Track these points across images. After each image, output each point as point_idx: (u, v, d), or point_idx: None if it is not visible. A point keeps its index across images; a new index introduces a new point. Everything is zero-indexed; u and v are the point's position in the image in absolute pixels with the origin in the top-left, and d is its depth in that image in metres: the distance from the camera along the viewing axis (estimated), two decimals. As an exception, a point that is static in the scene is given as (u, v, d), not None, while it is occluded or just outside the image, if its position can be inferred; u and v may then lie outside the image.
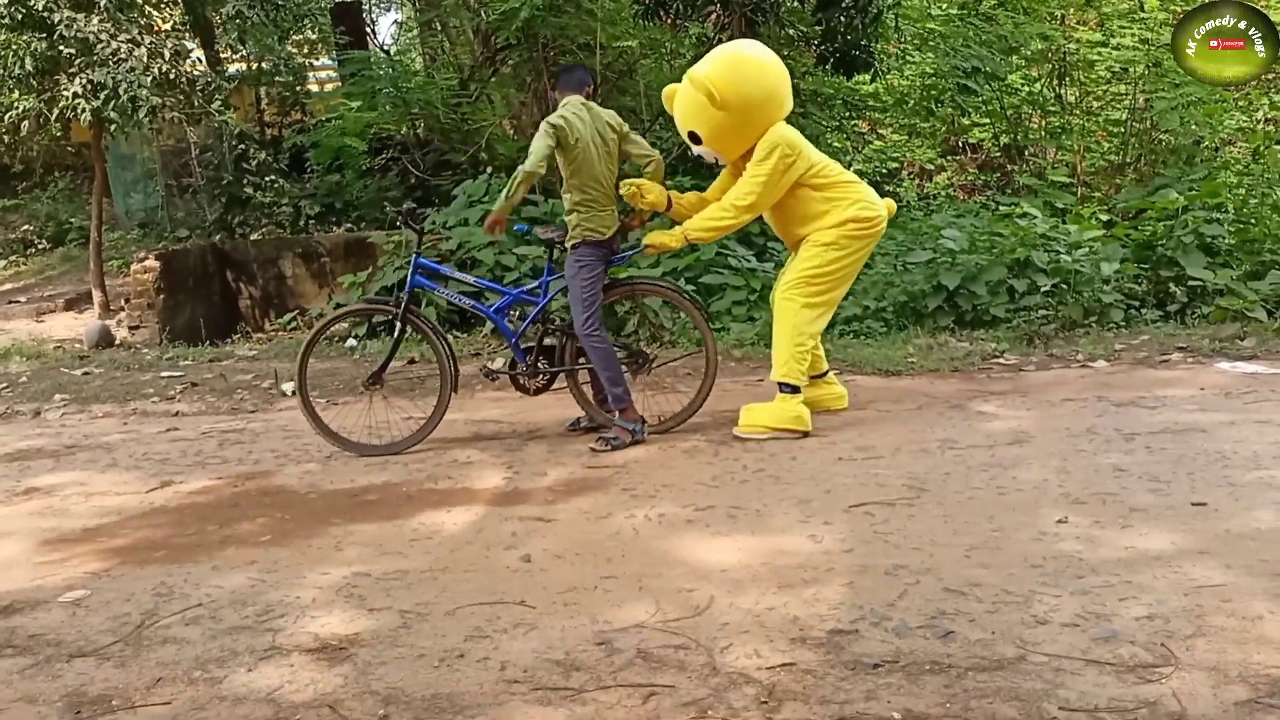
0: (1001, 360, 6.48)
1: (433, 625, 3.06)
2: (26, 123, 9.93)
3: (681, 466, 4.64)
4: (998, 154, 12.83)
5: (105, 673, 2.87)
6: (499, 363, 7.17)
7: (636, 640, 2.88)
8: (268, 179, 11.20)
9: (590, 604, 3.16)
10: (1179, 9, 11.30)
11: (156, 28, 10.31)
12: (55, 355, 8.70)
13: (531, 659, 2.80)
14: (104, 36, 8.97)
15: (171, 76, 9.35)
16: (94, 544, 4.01)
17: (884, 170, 12.69)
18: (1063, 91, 12.37)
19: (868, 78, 11.14)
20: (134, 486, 4.78)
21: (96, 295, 10.36)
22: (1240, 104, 11.80)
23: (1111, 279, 7.59)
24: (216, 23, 11.51)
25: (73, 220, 13.81)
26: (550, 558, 3.59)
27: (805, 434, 4.96)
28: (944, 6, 12.71)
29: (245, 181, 11.26)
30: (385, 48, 16.03)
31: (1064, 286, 7.52)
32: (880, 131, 13.51)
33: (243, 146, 11.46)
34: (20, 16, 8.98)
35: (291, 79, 12.45)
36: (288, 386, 6.81)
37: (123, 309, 9.91)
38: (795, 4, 10.12)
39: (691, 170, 9.03)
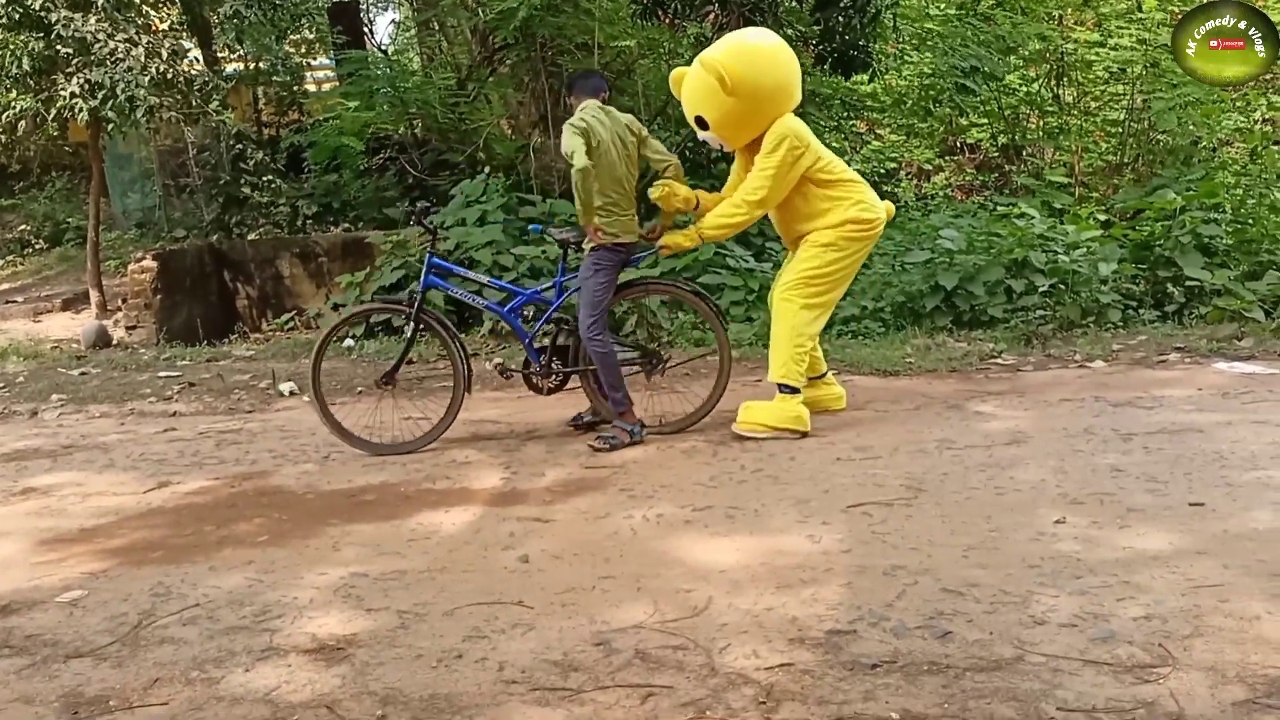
0: (999, 360, 6.49)
1: (430, 625, 3.06)
2: (24, 122, 9.90)
3: (680, 467, 4.64)
4: (995, 154, 12.84)
5: (102, 673, 2.87)
6: (495, 359, 7.17)
7: (635, 641, 2.88)
8: (265, 179, 11.19)
9: (588, 604, 3.16)
10: (1177, 9, 11.30)
11: (154, 27, 10.28)
12: (52, 355, 8.69)
13: (529, 659, 2.80)
14: (101, 36, 8.95)
15: (169, 76, 9.33)
16: (91, 544, 4.00)
17: (882, 170, 12.69)
18: (1060, 92, 12.38)
19: (866, 78, 11.14)
20: (131, 487, 4.78)
21: (94, 295, 10.34)
22: (1238, 104, 11.80)
23: (1109, 279, 7.60)
24: (214, 22, 11.48)
25: (70, 220, 13.79)
26: (548, 558, 3.59)
27: (804, 434, 4.96)
28: (942, 6, 12.71)
29: (243, 181, 11.24)
30: (383, 47, 16.04)
31: (1062, 287, 7.52)
32: (878, 131, 13.51)
33: (240, 146, 11.43)
34: (17, 16, 8.96)
35: (289, 79, 12.44)
36: (285, 387, 6.80)
37: (120, 309, 9.90)
38: (793, 3, 10.12)
39: (690, 170, 9.02)
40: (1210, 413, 5.00)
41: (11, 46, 9.09)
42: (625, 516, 3.97)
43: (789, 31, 10.20)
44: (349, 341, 8.44)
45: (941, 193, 12.51)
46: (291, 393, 6.71)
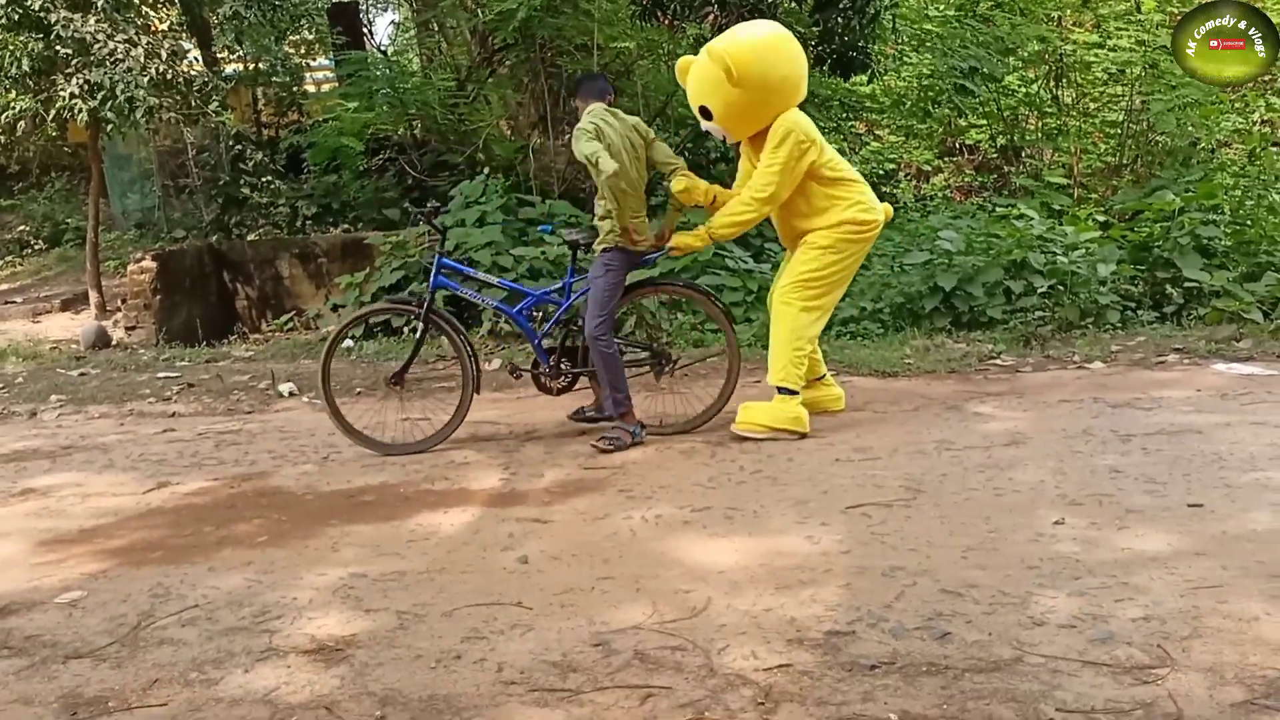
0: (998, 361, 6.49)
1: (429, 626, 3.06)
2: (23, 123, 9.89)
3: (678, 468, 4.65)
4: (994, 155, 12.84)
5: (101, 674, 2.87)
6: (493, 359, 7.18)
7: (633, 641, 2.88)
8: (264, 179, 11.18)
9: (587, 605, 3.16)
10: (1176, 11, 11.30)
11: (153, 28, 10.28)
12: (51, 356, 8.69)
13: (528, 660, 2.80)
14: (101, 37, 8.95)
15: (168, 77, 9.33)
16: (90, 545, 4.01)
17: (881, 171, 12.69)
18: (1059, 93, 12.38)
19: (865, 79, 11.15)
20: (130, 487, 4.78)
21: (93, 296, 10.33)
22: (1236, 106, 11.81)
23: (1108, 280, 7.60)
24: (213, 23, 11.48)
25: (69, 221, 13.78)
26: (547, 559, 3.59)
27: (803, 435, 4.96)
28: (941, 8, 12.71)
29: (242, 182, 11.24)
30: (382, 48, 16.01)
31: (1060, 288, 7.52)
32: (877, 133, 13.51)
33: (239, 147, 11.43)
34: (17, 16, 8.95)
35: (288, 79, 12.43)
36: (284, 387, 6.80)
37: (119, 309, 9.89)
38: (792, 5, 10.12)
39: (689, 170, 9.02)
40: (1209, 414, 5.00)
41: (11, 47, 9.08)
42: (624, 517, 3.97)
43: (788, 33, 10.22)
44: (348, 342, 8.44)
45: (940, 194, 12.51)
46: (291, 393, 6.71)
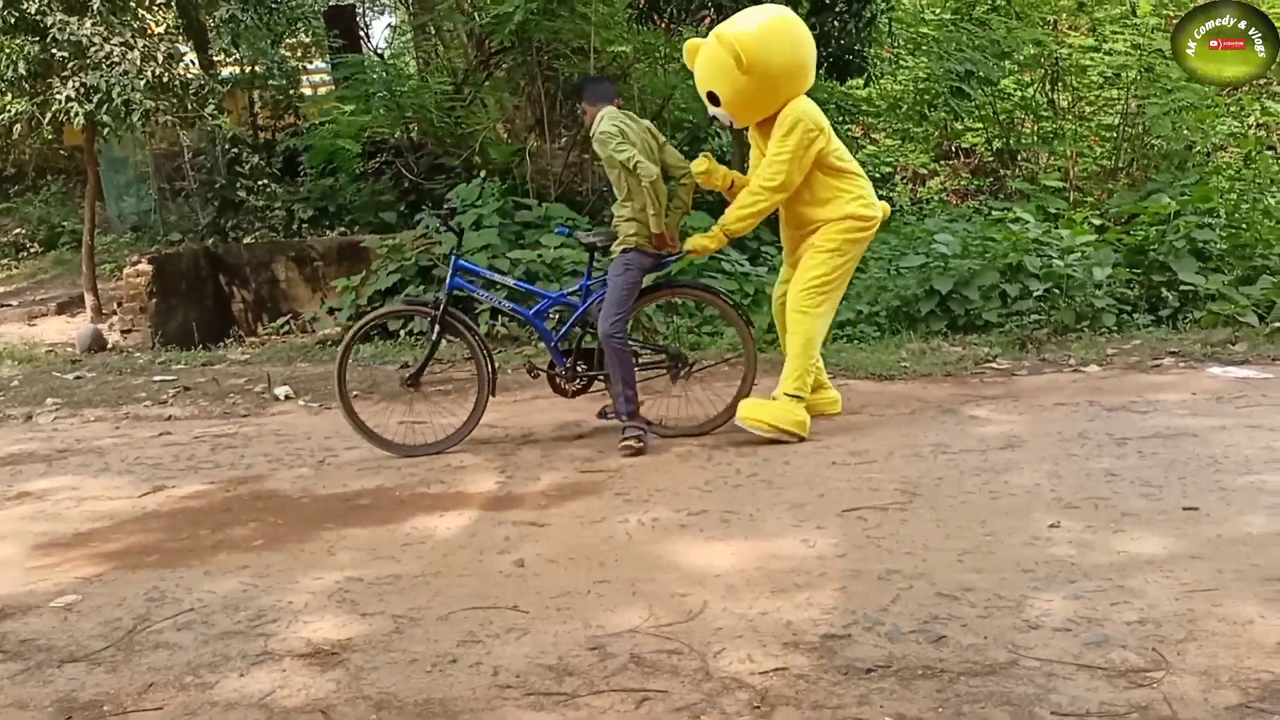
0: (994, 365, 6.49)
1: (425, 630, 3.06)
2: (19, 126, 9.95)
3: (675, 471, 4.65)
4: (990, 159, 12.87)
5: (96, 678, 2.86)
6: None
7: (629, 645, 2.88)
8: (261, 183, 11.19)
9: (583, 609, 3.16)
10: (1171, 14, 11.35)
11: (150, 31, 10.29)
12: (47, 359, 8.68)
13: (524, 664, 2.80)
14: (97, 40, 8.95)
15: (165, 80, 9.33)
16: (86, 549, 4.00)
17: (877, 175, 12.69)
18: (1055, 96, 12.41)
19: (861, 82, 11.15)
20: (126, 491, 4.77)
21: (89, 299, 10.32)
22: (1232, 109, 11.85)
23: (1103, 284, 7.61)
24: (210, 26, 11.49)
25: (65, 224, 13.77)
26: (543, 562, 3.59)
27: (802, 439, 4.96)
28: (937, 11, 12.74)
29: (238, 185, 11.24)
30: (379, 51, 16.02)
31: (1056, 291, 7.54)
32: (873, 136, 13.54)
33: (236, 150, 11.44)
34: (13, 19, 8.96)
35: (285, 82, 12.44)
36: (280, 391, 6.80)
37: (115, 313, 9.88)
38: (788, 7, 10.13)
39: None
40: (1204, 417, 5.00)
41: (7, 50, 9.09)
42: (620, 521, 3.97)
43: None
44: (344, 345, 8.43)
45: (936, 197, 12.53)
46: (287, 396, 6.70)
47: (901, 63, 12.41)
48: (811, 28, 10.01)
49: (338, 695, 2.68)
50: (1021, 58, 11.97)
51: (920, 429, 5.08)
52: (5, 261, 13.67)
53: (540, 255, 8.44)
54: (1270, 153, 11.25)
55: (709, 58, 4.97)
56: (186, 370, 7.79)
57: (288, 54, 13.46)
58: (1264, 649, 2.66)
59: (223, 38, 11.09)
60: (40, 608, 3.40)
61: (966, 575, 3.25)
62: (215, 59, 12.11)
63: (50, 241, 13.80)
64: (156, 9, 10.79)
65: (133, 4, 9.90)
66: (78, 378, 7.61)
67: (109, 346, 9.16)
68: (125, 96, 8.93)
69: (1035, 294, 7.49)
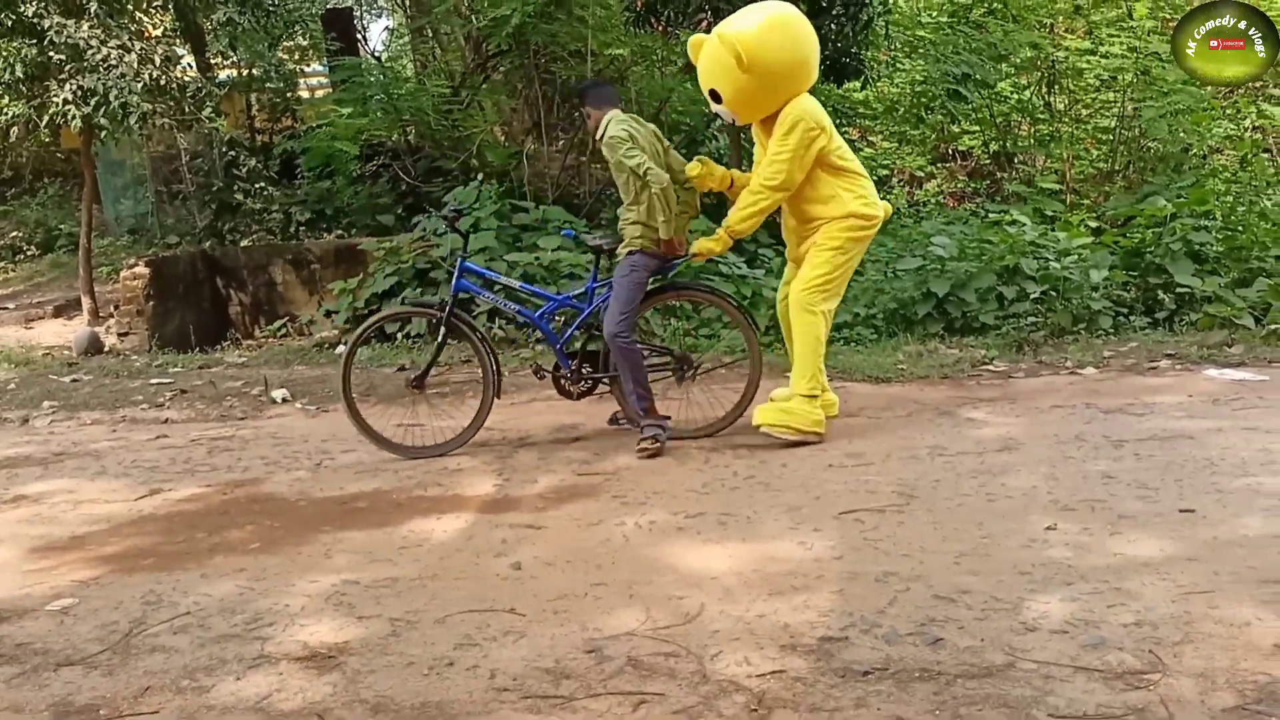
0: (991, 367, 6.50)
1: (422, 633, 3.06)
2: (16, 129, 9.91)
3: (672, 473, 4.65)
4: (987, 161, 12.90)
5: (93, 682, 2.86)
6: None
7: (627, 648, 2.88)
8: (258, 185, 11.19)
9: (580, 611, 3.16)
10: (1168, 17, 11.38)
11: (147, 34, 10.28)
12: (44, 362, 8.67)
13: (521, 667, 2.80)
14: (94, 43, 8.94)
15: (162, 83, 9.32)
16: (82, 552, 3.99)
17: (874, 177, 12.70)
18: (1052, 99, 12.43)
19: (858, 85, 11.18)
20: (123, 494, 4.77)
21: (86, 302, 10.31)
22: (1228, 112, 11.87)
23: (1100, 286, 7.62)
24: (207, 29, 11.48)
25: (62, 227, 13.75)
26: (540, 565, 3.58)
27: (821, 437, 4.94)
28: (934, 14, 12.77)
29: (235, 188, 11.24)
30: (376, 54, 16.02)
31: (1053, 293, 7.55)
32: (871, 139, 13.57)
33: (233, 153, 11.43)
34: (10, 22, 8.95)
35: (282, 85, 12.43)
36: (277, 394, 6.79)
37: (112, 316, 9.87)
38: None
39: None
40: (1201, 419, 5.01)
41: (4, 53, 9.07)
42: (617, 523, 3.97)
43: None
44: (341, 348, 8.43)
45: (933, 200, 12.56)
46: (284, 399, 6.70)
47: (898, 65, 12.43)
48: (809, 31, 10.09)
49: (334, 699, 2.68)
50: (1018, 61, 11.99)
51: (917, 431, 5.08)
52: (2, 265, 13.65)
53: (537, 258, 8.44)
54: (1266, 155, 11.28)
55: (711, 56, 4.96)
56: (183, 373, 7.78)
57: (285, 57, 13.45)
58: (1261, 651, 2.66)
59: (220, 40, 11.08)
60: (36, 611, 3.40)
61: (963, 577, 3.25)
62: (212, 62, 12.10)
63: (47, 244, 13.78)
64: (154, 12, 10.79)
65: (130, 7, 9.89)
66: (74, 381, 7.61)
67: (106, 349, 9.16)
68: (122, 99, 8.93)
69: (1032, 296, 7.50)
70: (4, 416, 6.62)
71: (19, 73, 9.01)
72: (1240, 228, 8.42)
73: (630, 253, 4.98)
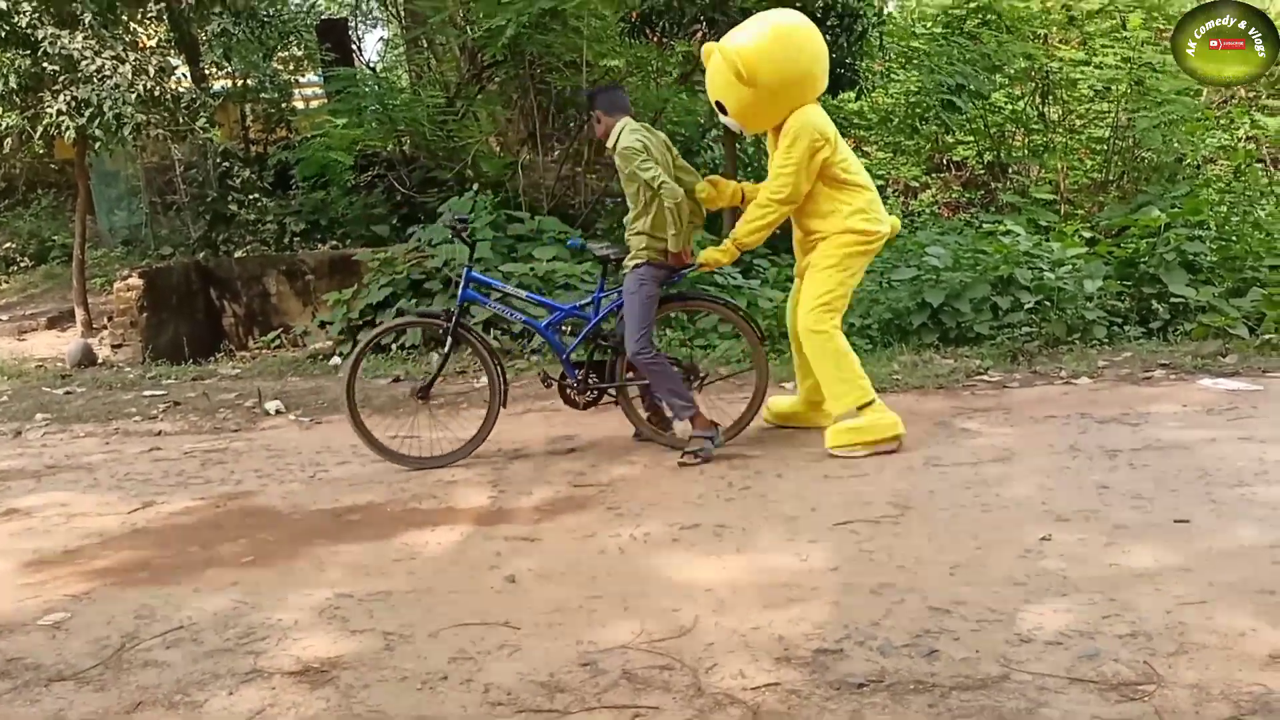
0: (985, 377, 6.50)
1: (416, 647, 3.05)
2: (9, 140, 9.88)
3: (667, 484, 4.64)
4: (981, 171, 12.93)
5: (85, 697, 2.84)
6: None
7: (621, 661, 2.87)
8: (252, 196, 11.18)
9: (575, 624, 3.15)
10: (1162, 28, 11.43)
11: (141, 45, 10.28)
12: (37, 374, 8.65)
13: (515, 681, 2.79)
14: (88, 53, 8.94)
15: (156, 93, 9.32)
16: (75, 565, 3.98)
17: (869, 188, 12.76)
18: (1046, 110, 12.49)
19: (853, 95, 11.21)
20: (116, 507, 4.75)
21: (79, 313, 10.29)
22: (1222, 122, 11.92)
23: (1094, 296, 7.64)
24: (201, 40, 11.48)
25: (56, 238, 13.73)
26: (535, 578, 3.57)
27: (898, 437, 4.89)
28: (928, 25, 12.81)
29: (230, 199, 11.23)
30: (371, 65, 16.04)
31: (1047, 304, 7.56)
32: (865, 149, 13.59)
33: (227, 164, 11.43)
34: (4, 33, 8.95)
35: (277, 96, 12.42)
36: (271, 405, 6.78)
37: (105, 327, 9.85)
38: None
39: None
40: (1195, 429, 5.01)
41: (-2, 64, 9.08)
42: (612, 535, 3.96)
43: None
44: (336, 359, 8.43)
45: (928, 210, 12.59)
46: (278, 411, 6.68)
47: (893, 76, 12.47)
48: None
49: (328, 713, 2.67)
50: (1012, 71, 12.04)
51: (912, 442, 5.07)
52: (-5, 275, 13.64)
53: (533, 268, 8.44)
54: (1260, 165, 11.31)
55: (715, 68, 4.97)
56: (177, 385, 7.77)
57: (280, 67, 13.44)
58: (1256, 662, 2.66)
59: (214, 51, 11.08)
60: (28, 625, 3.38)
61: (958, 589, 3.25)
62: (207, 72, 12.10)
63: (40, 256, 13.76)
64: (148, 22, 10.77)
65: (124, 17, 9.89)
66: (67, 393, 7.59)
67: (99, 361, 9.13)
68: (116, 110, 8.92)
69: (1026, 306, 7.51)
70: (-3, 428, 6.60)
71: (13, 84, 9.00)
72: (1234, 238, 8.44)
73: (637, 265, 4.97)
